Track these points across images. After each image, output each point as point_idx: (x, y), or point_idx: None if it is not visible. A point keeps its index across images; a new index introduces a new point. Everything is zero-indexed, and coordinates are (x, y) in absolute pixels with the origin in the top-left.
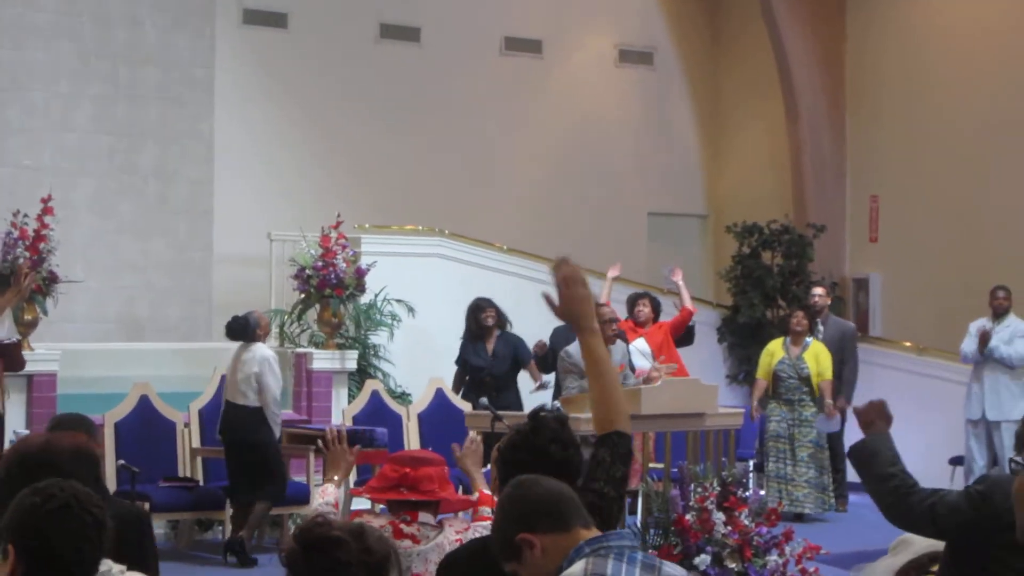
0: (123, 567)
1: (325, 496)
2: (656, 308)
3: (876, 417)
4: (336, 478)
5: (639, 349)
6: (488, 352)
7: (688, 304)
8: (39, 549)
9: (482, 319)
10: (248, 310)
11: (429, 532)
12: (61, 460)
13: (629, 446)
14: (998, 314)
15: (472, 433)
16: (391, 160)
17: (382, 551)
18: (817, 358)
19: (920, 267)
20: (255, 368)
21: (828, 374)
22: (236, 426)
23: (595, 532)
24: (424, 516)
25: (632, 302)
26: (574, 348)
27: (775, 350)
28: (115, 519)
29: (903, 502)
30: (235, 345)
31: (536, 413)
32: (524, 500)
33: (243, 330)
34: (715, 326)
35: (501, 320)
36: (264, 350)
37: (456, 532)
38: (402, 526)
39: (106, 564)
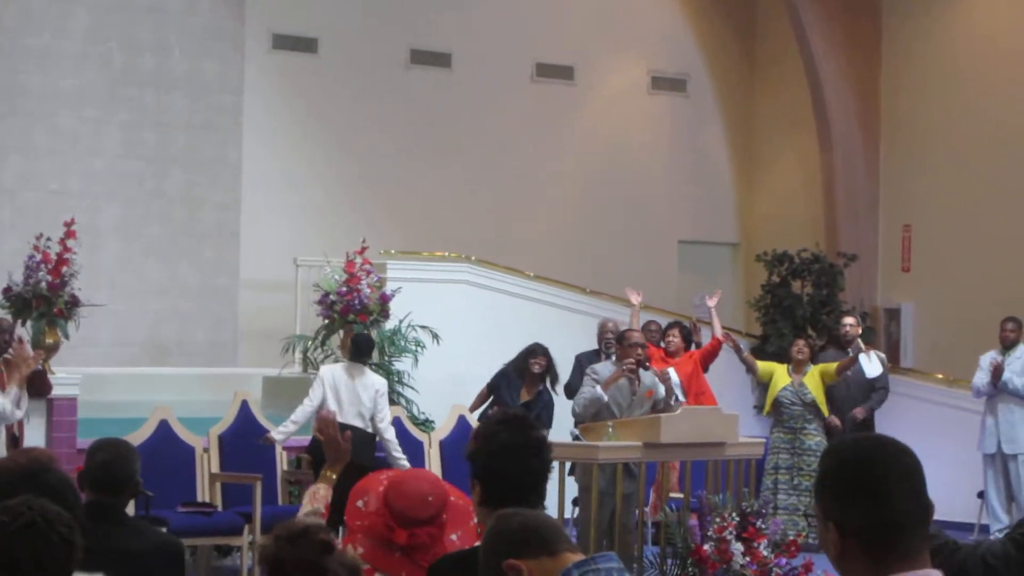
0: None
1: (315, 501)
2: (687, 337)
3: None
4: (333, 476)
5: (672, 379)
6: (520, 399)
7: (719, 333)
8: (2, 567)
9: (530, 364)
10: (282, 336)
11: None
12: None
13: None
14: (1007, 346)
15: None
16: (419, 186)
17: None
18: (819, 377)
19: (953, 297)
20: (374, 392)
21: (832, 373)
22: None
23: (580, 555)
24: None
25: (663, 332)
26: (602, 366)
27: (780, 375)
28: (155, 550)
29: (953, 560)
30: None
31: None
32: (508, 530)
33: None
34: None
35: (549, 374)
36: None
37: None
38: None
39: None
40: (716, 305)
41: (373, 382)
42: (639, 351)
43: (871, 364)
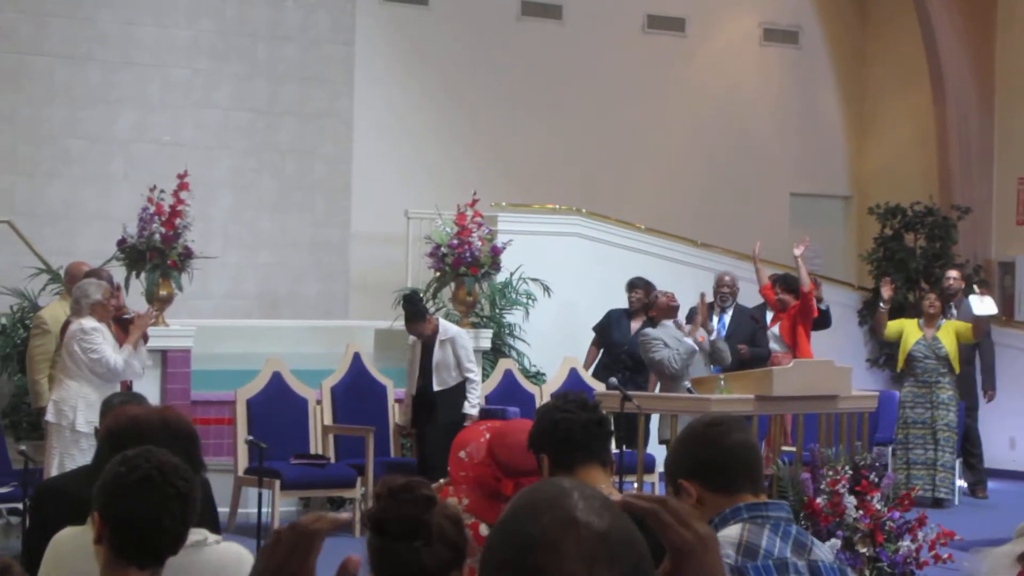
0: (219, 537)
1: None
2: (790, 288)
3: None
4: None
5: (774, 334)
6: (631, 331)
7: (806, 281)
8: (121, 519)
9: (629, 299)
10: (394, 288)
11: None
12: (150, 433)
13: None
14: None
15: None
16: (530, 138)
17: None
18: (954, 334)
19: None
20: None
21: (968, 333)
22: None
23: (761, 497)
24: None
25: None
26: (660, 332)
27: (911, 329)
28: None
29: None
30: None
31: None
32: (702, 446)
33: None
34: (856, 308)
35: (645, 305)
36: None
37: None
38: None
39: (200, 533)
40: (802, 254)
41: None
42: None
43: (982, 304)
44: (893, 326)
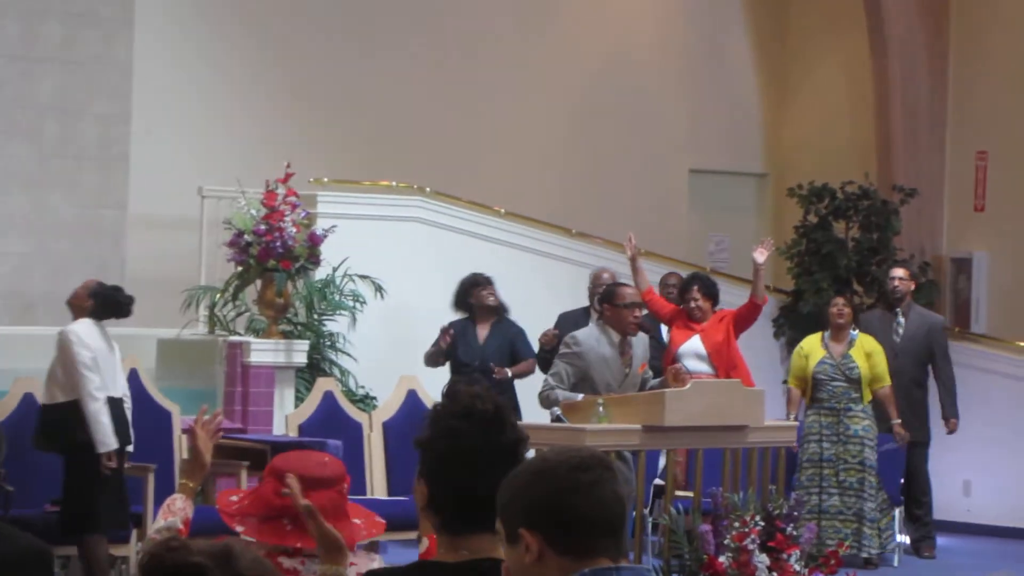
0: None
1: (171, 513)
2: (710, 293)
3: None
4: (191, 485)
5: (694, 351)
6: (479, 340)
7: (760, 293)
8: None
9: (482, 296)
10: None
11: (315, 566)
12: None
13: None
14: None
15: None
16: (359, 98)
17: None
18: (870, 356)
19: None
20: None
21: (886, 379)
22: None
23: (620, 562)
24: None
25: (683, 288)
26: (584, 334)
27: (811, 349)
28: (19, 557)
29: None
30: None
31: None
32: (561, 496)
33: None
34: (771, 316)
35: (500, 304)
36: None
37: (358, 572)
38: (282, 559)
39: None
40: (764, 261)
41: (116, 345)
42: (636, 312)
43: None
44: (796, 362)
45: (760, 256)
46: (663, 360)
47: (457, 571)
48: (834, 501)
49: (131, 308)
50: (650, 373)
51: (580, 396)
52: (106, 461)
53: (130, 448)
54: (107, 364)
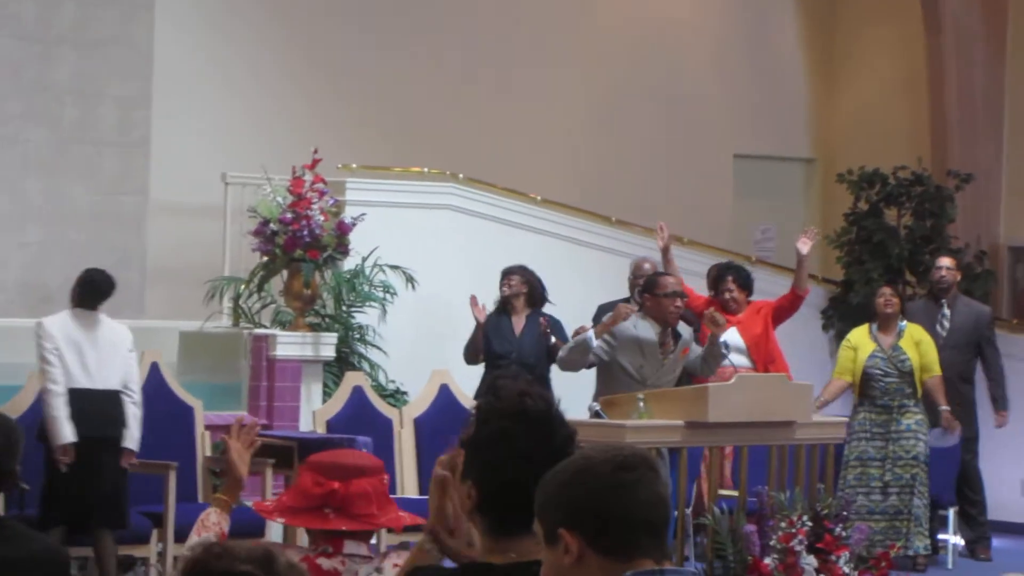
0: None
1: (205, 529)
2: (745, 284)
3: None
4: (227, 500)
5: (731, 344)
6: (515, 332)
7: (803, 284)
8: None
9: (500, 288)
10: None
11: (357, 566)
12: None
13: None
14: None
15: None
16: (387, 82)
17: None
18: (919, 345)
19: None
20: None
21: (936, 368)
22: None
23: (664, 564)
24: (352, 545)
25: (717, 279)
26: (622, 329)
27: (860, 341)
28: (32, 560)
29: None
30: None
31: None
32: (603, 496)
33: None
34: (820, 308)
35: (533, 294)
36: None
37: (395, 567)
38: (320, 560)
39: None
40: (808, 252)
41: (121, 336)
42: (678, 303)
43: (948, 437)
44: (843, 357)
45: (804, 247)
46: None
47: (506, 574)
48: (888, 499)
49: (109, 286)
50: (697, 350)
51: (590, 332)
52: (60, 455)
53: (131, 445)
54: (81, 354)
